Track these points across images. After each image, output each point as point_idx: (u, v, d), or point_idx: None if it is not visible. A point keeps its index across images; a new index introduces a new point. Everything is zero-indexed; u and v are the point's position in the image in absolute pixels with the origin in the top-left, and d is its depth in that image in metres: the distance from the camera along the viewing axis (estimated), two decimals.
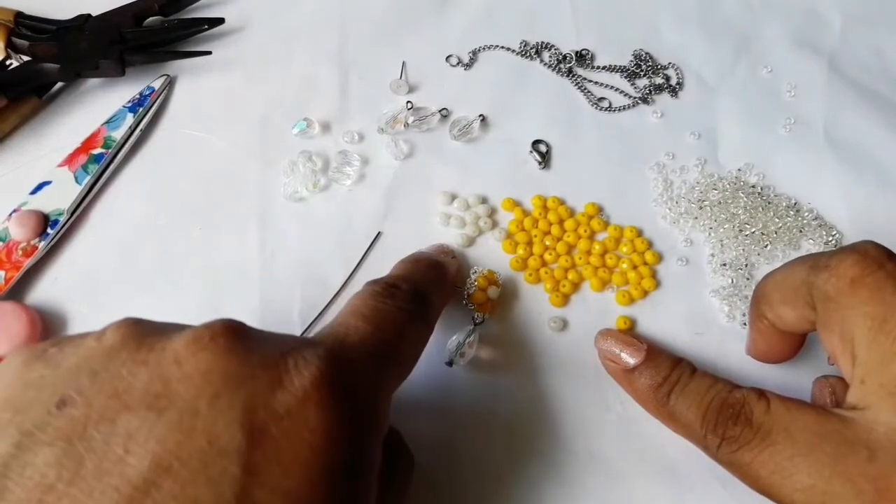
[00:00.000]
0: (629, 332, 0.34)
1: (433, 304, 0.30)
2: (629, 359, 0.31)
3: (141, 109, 0.38)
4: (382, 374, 0.24)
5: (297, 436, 0.20)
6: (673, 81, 0.42)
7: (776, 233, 0.37)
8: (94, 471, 0.18)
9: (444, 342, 0.33)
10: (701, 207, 0.38)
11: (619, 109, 0.41)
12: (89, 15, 0.40)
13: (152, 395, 0.19)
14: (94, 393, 0.19)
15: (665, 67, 0.43)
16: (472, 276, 0.35)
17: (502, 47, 0.43)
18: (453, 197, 0.37)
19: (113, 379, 0.20)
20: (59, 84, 0.39)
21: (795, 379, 0.32)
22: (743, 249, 0.37)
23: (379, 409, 0.23)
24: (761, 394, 0.26)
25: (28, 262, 0.34)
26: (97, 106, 0.39)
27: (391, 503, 0.26)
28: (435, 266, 0.32)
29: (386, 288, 0.27)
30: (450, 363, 0.32)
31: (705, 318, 0.35)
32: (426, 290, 0.29)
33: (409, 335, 0.27)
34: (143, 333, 0.21)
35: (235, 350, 0.21)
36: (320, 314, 0.34)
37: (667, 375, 0.29)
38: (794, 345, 0.31)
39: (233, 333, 0.21)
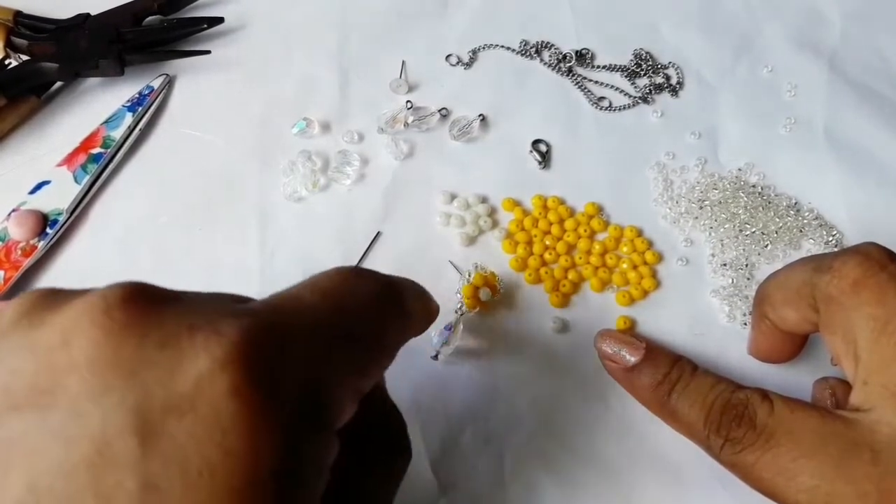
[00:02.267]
0: (629, 332, 0.34)
1: (409, 304, 0.24)
2: (629, 357, 0.31)
3: (140, 109, 0.38)
4: (334, 359, 0.19)
5: (206, 437, 0.15)
6: (673, 81, 0.42)
7: (776, 233, 0.37)
8: None
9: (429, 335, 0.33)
10: (701, 207, 0.38)
11: (620, 109, 0.41)
12: (88, 14, 0.39)
13: (37, 390, 0.16)
14: None
15: (665, 67, 0.43)
16: (472, 269, 0.35)
17: (502, 47, 0.43)
18: (453, 196, 0.37)
19: (3, 369, 0.16)
20: (58, 83, 0.39)
21: (796, 379, 0.32)
22: (743, 249, 0.37)
23: (325, 400, 0.18)
24: (765, 395, 0.26)
25: (27, 262, 0.34)
26: (96, 105, 0.39)
27: (383, 497, 0.24)
28: (416, 285, 0.26)
29: (357, 268, 0.23)
30: (435, 356, 0.32)
31: (705, 318, 0.35)
32: (403, 289, 0.24)
33: (377, 319, 0.22)
34: (40, 307, 0.17)
35: (133, 326, 0.16)
36: None
37: (667, 373, 0.29)
38: (796, 345, 0.31)
39: (134, 304, 0.17)
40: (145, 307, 0.17)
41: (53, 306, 0.17)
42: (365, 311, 0.21)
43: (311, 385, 0.18)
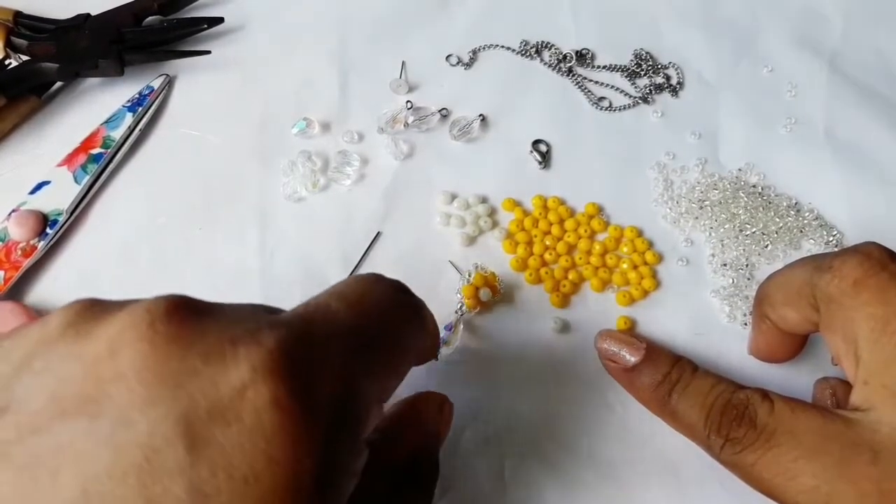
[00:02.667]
0: (629, 333, 0.34)
1: (425, 309, 0.25)
2: (629, 357, 0.31)
3: (140, 109, 0.38)
4: (361, 366, 0.20)
5: (251, 445, 0.16)
6: (673, 81, 0.42)
7: (777, 233, 0.37)
8: (22, 496, 0.15)
9: None
10: (701, 207, 0.38)
11: (620, 109, 0.41)
12: (88, 14, 0.39)
13: (85, 398, 0.16)
14: (33, 394, 0.17)
15: (665, 67, 0.43)
16: (472, 269, 0.35)
17: (502, 47, 0.43)
18: (453, 196, 0.37)
19: (52, 377, 0.17)
20: (58, 83, 0.39)
21: (797, 379, 0.32)
22: (743, 249, 0.37)
23: (354, 407, 0.19)
24: (765, 395, 0.26)
25: (27, 262, 0.34)
26: (96, 105, 0.39)
27: None
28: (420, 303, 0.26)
29: (375, 275, 0.24)
30: (435, 357, 0.32)
31: (706, 318, 0.35)
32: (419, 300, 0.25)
33: (398, 326, 0.23)
34: (85, 318, 0.18)
35: (178, 339, 0.17)
36: None
37: (667, 373, 0.29)
38: (797, 345, 0.31)
39: (177, 316, 0.17)
40: (188, 320, 0.18)
41: (99, 317, 0.18)
42: (386, 315, 0.22)
43: (342, 392, 0.19)
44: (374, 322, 0.21)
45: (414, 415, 0.27)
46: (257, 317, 0.19)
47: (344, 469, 0.19)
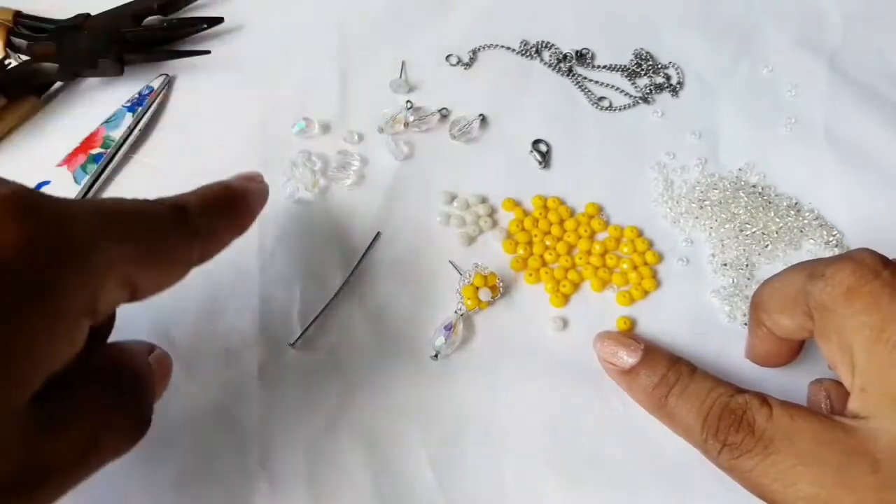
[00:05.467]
0: (629, 333, 0.34)
1: (210, 222, 0.27)
2: (626, 359, 0.31)
3: (140, 109, 0.38)
4: (98, 230, 0.21)
5: None
6: (673, 81, 0.42)
7: (777, 233, 0.37)
8: None
9: (429, 336, 0.33)
10: (701, 207, 0.38)
11: (620, 109, 0.41)
12: (88, 14, 0.39)
13: None
14: None
15: (665, 67, 0.43)
16: (472, 269, 0.35)
17: (502, 47, 0.43)
18: (453, 196, 0.37)
19: None
20: (58, 83, 0.39)
21: (796, 380, 0.32)
22: (744, 249, 0.37)
23: (93, 265, 0.20)
24: (763, 400, 0.26)
25: None
26: (96, 105, 0.39)
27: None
28: (222, 191, 0.28)
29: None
30: (435, 356, 0.33)
31: (706, 318, 0.35)
32: (203, 207, 0.26)
33: (152, 216, 0.24)
34: None
35: None
36: (320, 314, 0.34)
37: (664, 375, 0.29)
38: (793, 350, 0.31)
39: None
40: None
41: None
42: (140, 214, 0.24)
43: (83, 244, 0.20)
44: (128, 214, 0.23)
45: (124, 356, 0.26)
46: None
47: (63, 298, 0.20)
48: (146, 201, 0.24)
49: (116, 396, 0.23)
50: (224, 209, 0.28)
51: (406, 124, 0.39)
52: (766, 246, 0.37)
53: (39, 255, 0.19)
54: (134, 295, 0.23)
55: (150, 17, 0.41)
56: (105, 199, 0.24)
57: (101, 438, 0.22)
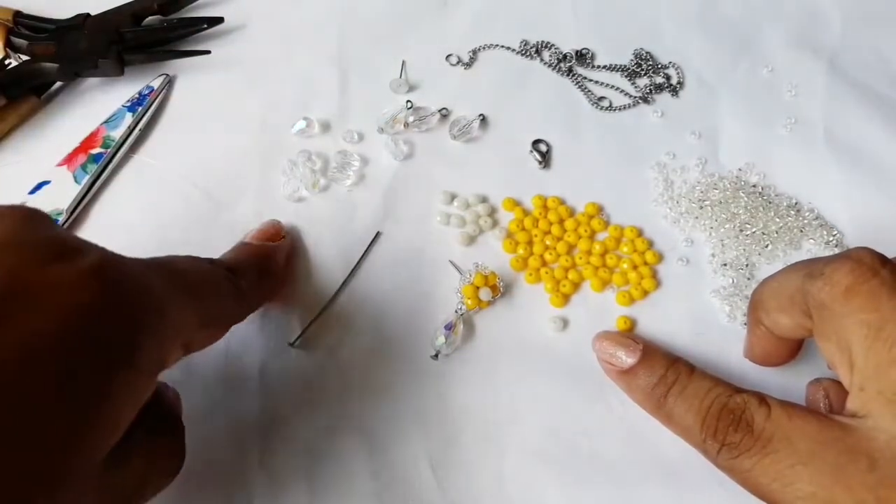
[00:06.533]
0: (629, 333, 0.34)
1: (252, 284, 0.29)
2: (625, 359, 0.31)
3: (140, 109, 0.38)
4: (172, 295, 0.23)
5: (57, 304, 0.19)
6: (673, 81, 0.42)
7: (777, 233, 0.37)
8: None
9: (429, 335, 0.33)
10: (701, 207, 0.38)
11: (620, 109, 0.41)
12: (88, 14, 0.39)
13: None
14: None
15: (665, 67, 0.43)
16: (472, 269, 0.35)
17: (502, 47, 0.43)
18: (453, 196, 0.37)
19: None
20: (58, 83, 0.39)
21: (795, 379, 0.32)
22: (744, 249, 0.37)
23: (146, 339, 0.22)
24: (762, 399, 0.26)
25: None
26: (96, 105, 0.39)
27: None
28: (258, 253, 0.32)
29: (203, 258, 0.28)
30: (435, 356, 0.33)
31: (706, 318, 0.35)
32: (245, 270, 0.29)
33: (214, 283, 0.27)
34: None
35: (29, 219, 0.21)
36: (320, 314, 0.34)
37: (663, 375, 0.29)
38: (792, 350, 0.31)
39: (29, 212, 0.22)
40: (39, 217, 0.22)
41: None
42: (201, 274, 0.26)
43: (152, 303, 0.22)
44: (190, 275, 0.25)
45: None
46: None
47: (147, 363, 0.21)
48: (208, 266, 0.27)
49: (159, 437, 0.25)
50: (262, 271, 0.31)
51: (406, 124, 0.39)
52: (766, 246, 0.37)
53: (125, 321, 0.21)
54: (188, 350, 0.25)
55: (150, 17, 0.41)
56: (173, 261, 0.25)
57: (148, 476, 0.24)
